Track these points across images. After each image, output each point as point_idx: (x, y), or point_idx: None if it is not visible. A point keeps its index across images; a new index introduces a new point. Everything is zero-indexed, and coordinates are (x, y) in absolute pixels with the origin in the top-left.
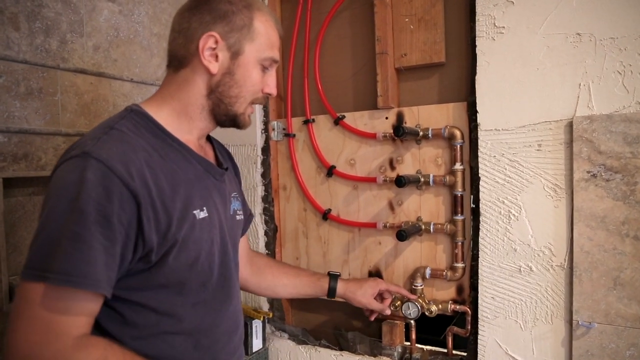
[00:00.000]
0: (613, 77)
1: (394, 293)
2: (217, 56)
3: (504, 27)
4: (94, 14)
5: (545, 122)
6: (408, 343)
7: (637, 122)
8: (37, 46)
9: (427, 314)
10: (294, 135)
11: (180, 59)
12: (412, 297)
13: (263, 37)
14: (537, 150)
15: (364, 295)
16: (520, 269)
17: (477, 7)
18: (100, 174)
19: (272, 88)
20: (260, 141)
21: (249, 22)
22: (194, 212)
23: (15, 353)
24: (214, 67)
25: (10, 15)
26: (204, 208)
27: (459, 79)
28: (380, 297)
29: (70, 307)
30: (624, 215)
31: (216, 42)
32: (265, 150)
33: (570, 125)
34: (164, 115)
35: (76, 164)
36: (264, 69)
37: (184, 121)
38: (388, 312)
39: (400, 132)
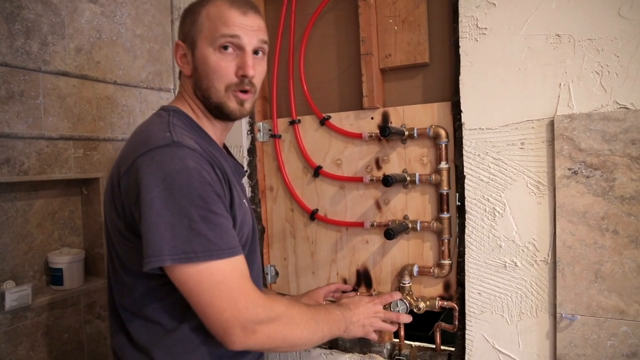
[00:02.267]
0: (591, 77)
1: (333, 290)
2: (188, 59)
3: (486, 28)
4: (75, 16)
5: (528, 121)
6: (397, 340)
7: (615, 121)
8: (18, 48)
9: (415, 310)
10: (280, 136)
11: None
12: (348, 287)
13: (210, 21)
14: (520, 148)
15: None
16: (505, 265)
17: (459, 9)
18: (198, 160)
19: (246, 69)
20: (246, 142)
21: (197, 16)
22: (243, 200)
23: (234, 322)
24: (187, 70)
25: None
26: (244, 200)
27: (443, 79)
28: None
29: (245, 271)
30: (603, 211)
31: (182, 47)
32: (252, 151)
33: (551, 123)
34: (191, 115)
35: (173, 153)
36: (223, 49)
37: (202, 121)
38: None
39: (387, 132)
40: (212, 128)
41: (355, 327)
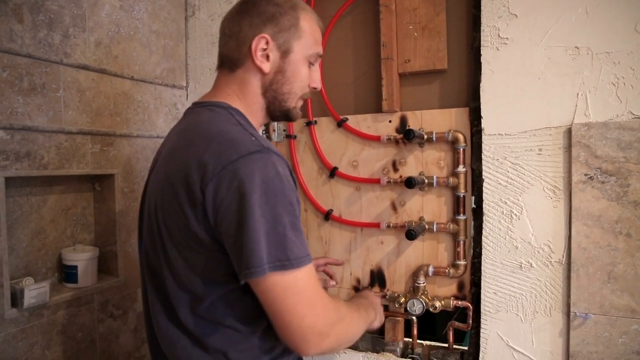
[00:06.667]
0: (608, 88)
1: (322, 264)
2: (268, 56)
3: (507, 38)
4: (96, 9)
5: (546, 128)
6: (409, 339)
7: (630, 130)
8: (40, 40)
9: (431, 310)
10: (295, 137)
11: (233, 60)
12: (338, 262)
13: (308, 34)
14: (538, 154)
15: None
16: (521, 265)
17: (482, 18)
18: (284, 167)
19: (317, 82)
20: None
21: (295, 22)
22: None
23: (313, 329)
24: (267, 67)
25: (14, 7)
26: None
27: (460, 85)
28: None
29: (316, 275)
30: (617, 215)
31: (267, 42)
32: None
33: (569, 131)
34: (244, 113)
35: (265, 159)
36: (310, 64)
37: (252, 119)
38: (333, 283)
39: (411, 135)
40: (257, 124)
41: (379, 311)
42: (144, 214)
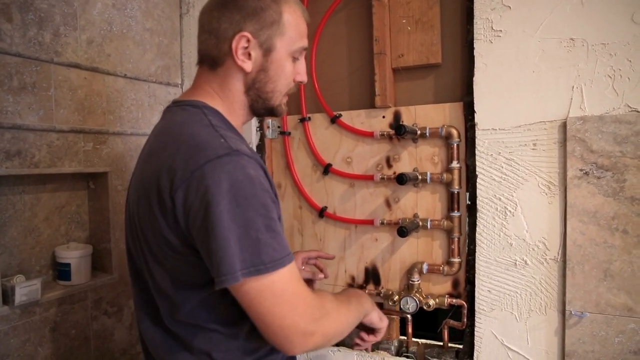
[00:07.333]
0: (604, 81)
1: (314, 257)
2: (249, 54)
3: (501, 30)
4: (87, 7)
5: (540, 122)
6: (404, 337)
7: (626, 123)
8: (30, 39)
9: (425, 308)
10: (290, 133)
11: (214, 58)
12: (330, 256)
13: (293, 29)
14: (533, 149)
15: None
16: (515, 263)
17: (475, 11)
18: (256, 167)
19: (302, 76)
20: (255, 139)
21: (278, 17)
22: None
23: (296, 329)
24: (248, 66)
25: (2, 6)
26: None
27: (455, 80)
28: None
29: (298, 273)
30: (613, 211)
31: (248, 41)
32: (260, 148)
33: (564, 125)
34: (221, 112)
35: (234, 162)
36: (295, 59)
37: (233, 118)
38: (322, 276)
39: (402, 131)
40: (239, 123)
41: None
42: (127, 216)
